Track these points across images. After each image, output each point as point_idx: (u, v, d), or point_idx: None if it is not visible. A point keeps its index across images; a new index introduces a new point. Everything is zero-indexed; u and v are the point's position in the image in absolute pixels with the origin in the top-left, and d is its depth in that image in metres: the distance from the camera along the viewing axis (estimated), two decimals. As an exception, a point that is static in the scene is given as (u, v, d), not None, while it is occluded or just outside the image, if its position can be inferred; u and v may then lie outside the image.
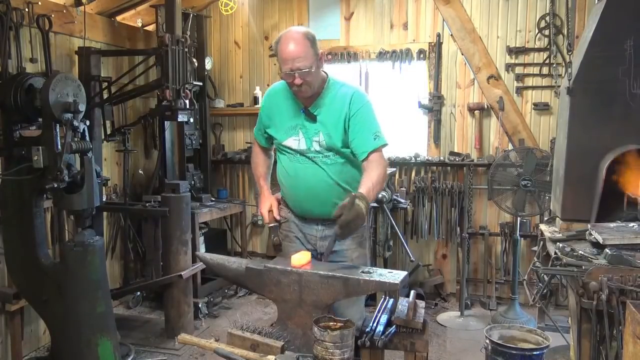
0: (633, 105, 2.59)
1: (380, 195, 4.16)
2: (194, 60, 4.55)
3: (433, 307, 4.58)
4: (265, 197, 2.57)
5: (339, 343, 1.62)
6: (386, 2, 4.81)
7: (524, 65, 4.51)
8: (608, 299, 2.06)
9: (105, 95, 3.97)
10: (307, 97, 2.32)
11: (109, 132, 4.05)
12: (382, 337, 1.85)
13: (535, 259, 2.94)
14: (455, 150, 4.71)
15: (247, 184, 5.38)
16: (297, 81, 2.22)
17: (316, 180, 2.36)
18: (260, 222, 5.25)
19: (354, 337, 1.73)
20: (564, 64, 4.16)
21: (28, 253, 2.78)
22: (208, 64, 5.01)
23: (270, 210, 2.51)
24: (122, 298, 4.49)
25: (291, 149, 2.39)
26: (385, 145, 2.32)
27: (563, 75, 3.96)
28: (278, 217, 2.51)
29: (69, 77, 2.66)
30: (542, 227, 2.95)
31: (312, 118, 2.33)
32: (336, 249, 2.38)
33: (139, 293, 4.59)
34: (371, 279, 1.88)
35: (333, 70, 4.83)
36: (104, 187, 4.07)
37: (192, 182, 4.66)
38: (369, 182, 2.16)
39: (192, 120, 4.17)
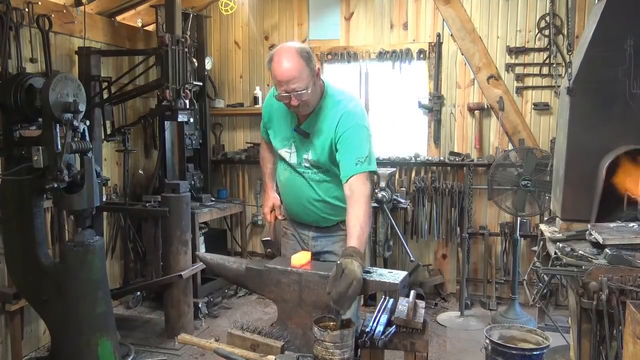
0: (633, 105, 2.60)
1: (380, 195, 4.17)
2: (194, 60, 4.55)
3: (433, 307, 4.58)
4: (269, 196, 2.60)
5: (339, 343, 1.62)
6: (386, 2, 4.81)
7: (524, 65, 4.51)
8: (608, 299, 2.06)
9: (105, 95, 3.97)
10: (304, 114, 2.26)
11: (109, 132, 4.04)
12: (382, 337, 1.84)
13: (535, 259, 2.94)
14: (455, 150, 4.71)
15: (247, 184, 5.38)
16: (294, 102, 2.14)
17: (303, 194, 2.35)
18: (260, 222, 5.25)
19: (354, 337, 1.73)
20: (564, 64, 4.17)
21: (28, 253, 2.78)
22: (208, 64, 5.00)
23: (272, 210, 2.55)
24: (122, 298, 4.49)
25: (284, 159, 2.38)
26: (370, 171, 2.17)
27: (563, 75, 3.96)
28: (280, 217, 2.56)
29: (69, 77, 2.66)
30: (542, 227, 2.95)
31: (305, 136, 2.28)
32: (328, 249, 2.41)
33: (139, 293, 4.59)
34: (371, 279, 1.88)
35: (333, 70, 4.94)
36: (104, 187, 4.07)
37: (192, 182, 4.66)
38: (358, 228, 1.99)
39: (192, 120, 4.17)
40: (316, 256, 2.40)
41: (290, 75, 2.07)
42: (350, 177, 2.12)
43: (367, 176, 2.14)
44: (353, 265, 1.80)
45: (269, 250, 2.49)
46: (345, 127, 2.17)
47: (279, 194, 2.60)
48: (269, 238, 2.53)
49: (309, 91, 2.12)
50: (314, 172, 2.30)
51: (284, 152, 2.36)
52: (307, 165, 2.30)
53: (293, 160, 2.33)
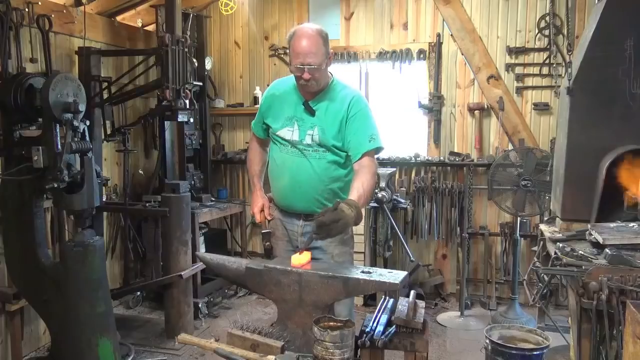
0: (633, 105, 2.59)
1: (380, 195, 4.17)
2: (194, 60, 4.54)
3: (433, 307, 4.58)
4: (258, 196, 2.63)
5: (339, 343, 1.62)
6: (386, 2, 4.81)
7: (524, 65, 4.51)
8: (608, 299, 2.06)
9: (105, 95, 3.97)
10: (311, 92, 2.39)
11: (109, 132, 4.05)
12: (382, 337, 1.84)
13: (535, 259, 2.94)
14: (455, 150, 4.71)
15: (247, 184, 5.37)
16: (306, 76, 2.29)
17: (301, 171, 2.41)
18: (254, 221, 5.25)
19: (354, 337, 1.73)
20: (564, 64, 4.16)
21: (28, 253, 2.78)
22: (208, 64, 5.00)
23: (262, 210, 2.57)
24: (122, 298, 4.49)
25: (284, 139, 2.45)
26: (380, 148, 2.38)
27: (563, 75, 3.96)
28: (269, 217, 2.57)
29: (69, 77, 2.66)
30: (542, 227, 2.95)
31: (311, 112, 2.40)
32: (317, 244, 2.42)
33: (139, 293, 4.59)
34: (371, 279, 1.88)
35: (333, 71, 4.91)
36: (104, 187, 4.07)
37: (192, 182, 4.66)
38: (360, 189, 2.19)
39: (192, 120, 4.16)
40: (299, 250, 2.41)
41: (308, 50, 2.27)
42: (363, 154, 2.32)
43: (375, 154, 2.38)
44: (348, 210, 2.02)
45: (267, 243, 2.49)
46: (358, 108, 2.38)
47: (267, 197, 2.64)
48: (269, 230, 2.53)
49: (322, 68, 2.31)
50: (314, 150, 2.40)
51: (285, 132, 2.44)
52: (309, 142, 2.40)
53: (295, 137, 2.42)
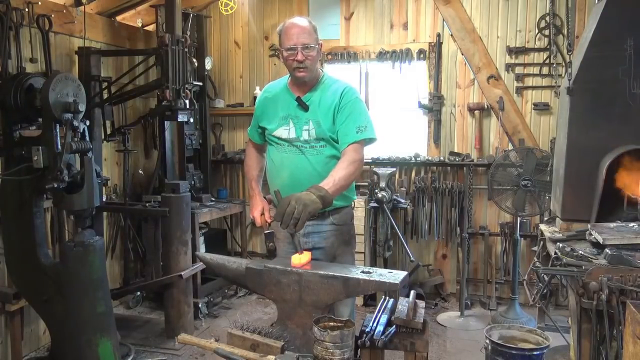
0: (633, 105, 2.60)
1: (380, 195, 4.17)
2: (194, 60, 4.55)
3: (433, 307, 4.58)
4: (257, 200, 2.62)
5: (339, 343, 1.62)
6: (386, 2, 4.81)
7: (524, 65, 4.51)
8: (608, 299, 2.06)
9: (105, 95, 3.97)
10: (305, 80, 2.40)
11: (109, 132, 4.05)
12: (382, 337, 1.84)
13: (535, 259, 2.94)
14: (455, 150, 4.71)
15: (247, 184, 5.37)
16: (300, 57, 2.31)
17: (300, 169, 2.42)
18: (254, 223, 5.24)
19: (354, 337, 1.73)
20: (564, 64, 4.17)
21: (28, 253, 2.78)
22: (208, 64, 5.00)
23: (262, 214, 2.55)
24: (122, 298, 4.49)
25: (280, 138, 2.47)
26: (371, 139, 2.38)
27: (563, 75, 3.96)
28: (269, 220, 2.55)
29: (69, 77, 2.66)
30: (542, 227, 2.95)
31: (304, 107, 2.42)
32: (320, 245, 2.45)
33: (139, 293, 4.59)
34: (371, 279, 1.88)
35: (333, 70, 4.93)
36: (104, 187, 4.07)
37: (192, 182, 4.66)
38: (330, 178, 2.19)
39: (192, 120, 4.17)
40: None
41: (301, 30, 2.33)
42: (350, 144, 2.32)
43: (363, 144, 2.37)
44: (305, 193, 2.02)
45: (271, 244, 2.48)
46: (350, 98, 2.40)
47: (265, 198, 2.64)
48: (272, 230, 2.52)
49: (315, 47, 2.35)
50: (312, 146, 2.42)
51: (281, 131, 2.46)
52: (306, 138, 2.41)
53: (292, 135, 2.44)
